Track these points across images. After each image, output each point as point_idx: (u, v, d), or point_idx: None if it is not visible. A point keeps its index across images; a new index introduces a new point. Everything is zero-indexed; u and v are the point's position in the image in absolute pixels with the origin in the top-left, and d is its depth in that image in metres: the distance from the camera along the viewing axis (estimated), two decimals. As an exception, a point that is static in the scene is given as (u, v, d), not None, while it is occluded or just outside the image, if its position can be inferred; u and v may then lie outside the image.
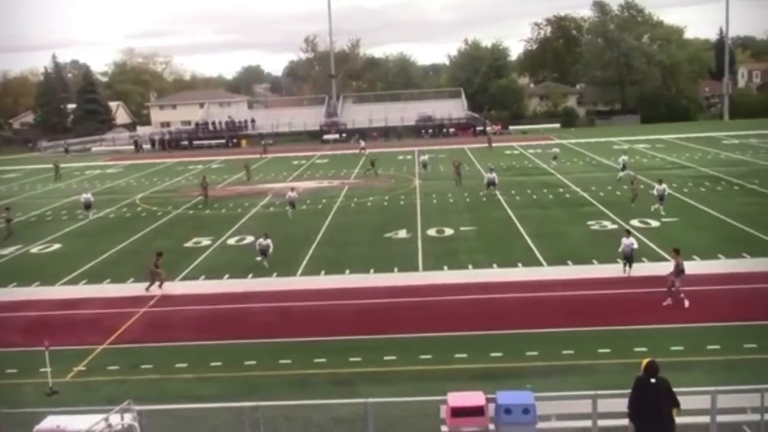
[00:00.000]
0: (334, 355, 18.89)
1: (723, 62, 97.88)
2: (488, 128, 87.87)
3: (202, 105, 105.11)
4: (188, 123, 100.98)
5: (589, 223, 33.66)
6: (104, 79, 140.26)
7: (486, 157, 61.55)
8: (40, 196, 51.20)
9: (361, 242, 32.16)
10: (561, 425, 12.80)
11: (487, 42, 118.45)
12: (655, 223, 32.65)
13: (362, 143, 74.14)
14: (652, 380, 11.50)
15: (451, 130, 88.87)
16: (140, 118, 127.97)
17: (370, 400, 12.63)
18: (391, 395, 14.39)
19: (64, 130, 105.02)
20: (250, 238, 33.20)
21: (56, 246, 34.07)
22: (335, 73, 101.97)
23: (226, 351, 19.68)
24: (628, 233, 25.92)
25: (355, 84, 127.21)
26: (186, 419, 13.51)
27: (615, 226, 32.38)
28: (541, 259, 27.65)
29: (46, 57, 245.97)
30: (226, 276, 27.24)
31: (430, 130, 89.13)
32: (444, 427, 12.66)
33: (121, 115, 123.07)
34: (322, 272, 27.11)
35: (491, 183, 42.49)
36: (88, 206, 41.07)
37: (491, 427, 12.47)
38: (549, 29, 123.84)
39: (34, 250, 33.54)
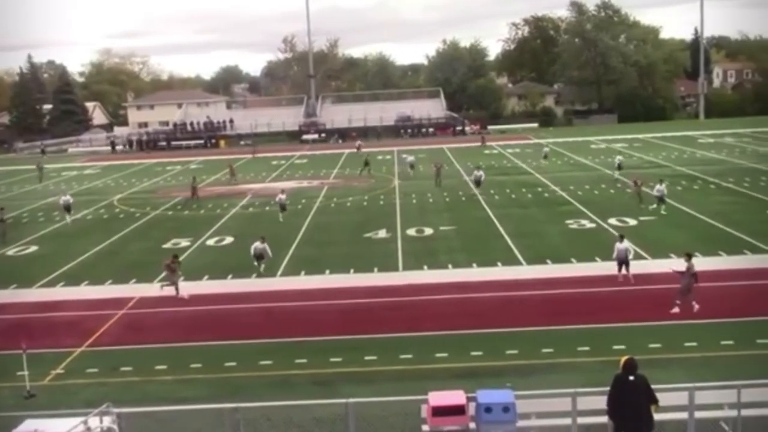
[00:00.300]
0: (315, 356, 18.87)
1: (698, 62, 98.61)
2: (480, 128, 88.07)
3: (180, 105, 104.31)
4: (166, 123, 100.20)
5: (568, 222, 33.89)
6: (81, 80, 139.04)
7: (466, 156, 61.81)
8: (15, 198, 50.61)
9: (341, 242, 32.15)
10: (541, 423, 12.86)
11: (465, 42, 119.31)
12: (632, 222, 32.93)
13: (359, 142, 74.96)
14: (631, 378, 11.60)
15: (430, 129, 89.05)
16: (117, 118, 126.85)
17: (351, 400, 12.61)
18: (372, 395, 14.39)
19: (40, 131, 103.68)
20: (229, 239, 33.09)
21: (33, 248, 33.72)
22: (314, 73, 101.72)
23: (206, 352, 19.59)
24: (622, 238, 24.63)
25: (334, 84, 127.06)
26: (166, 421, 13.42)
27: (593, 225, 32.68)
28: (520, 258, 27.79)
29: (22, 57, 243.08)
30: (206, 277, 27.09)
31: (410, 130, 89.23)
32: (425, 427, 12.66)
33: (98, 116, 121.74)
34: (303, 272, 27.07)
35: (478, 181, 42.65)
36: (67, 208, 39.93)
37: (472, 425, 12.50)
38: (527, 29, 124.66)
39: (11, 252, 33.17)
